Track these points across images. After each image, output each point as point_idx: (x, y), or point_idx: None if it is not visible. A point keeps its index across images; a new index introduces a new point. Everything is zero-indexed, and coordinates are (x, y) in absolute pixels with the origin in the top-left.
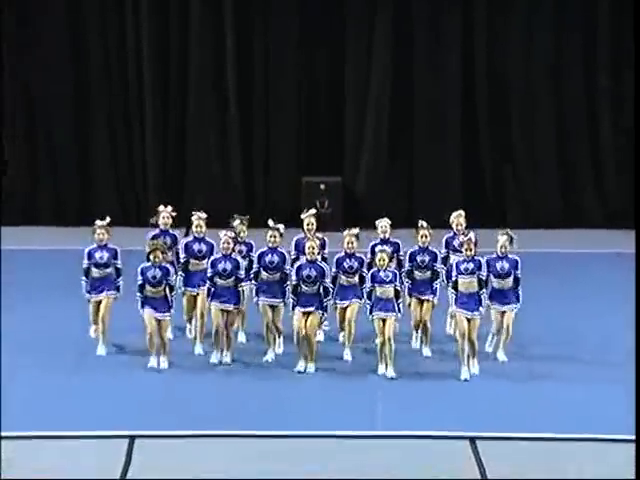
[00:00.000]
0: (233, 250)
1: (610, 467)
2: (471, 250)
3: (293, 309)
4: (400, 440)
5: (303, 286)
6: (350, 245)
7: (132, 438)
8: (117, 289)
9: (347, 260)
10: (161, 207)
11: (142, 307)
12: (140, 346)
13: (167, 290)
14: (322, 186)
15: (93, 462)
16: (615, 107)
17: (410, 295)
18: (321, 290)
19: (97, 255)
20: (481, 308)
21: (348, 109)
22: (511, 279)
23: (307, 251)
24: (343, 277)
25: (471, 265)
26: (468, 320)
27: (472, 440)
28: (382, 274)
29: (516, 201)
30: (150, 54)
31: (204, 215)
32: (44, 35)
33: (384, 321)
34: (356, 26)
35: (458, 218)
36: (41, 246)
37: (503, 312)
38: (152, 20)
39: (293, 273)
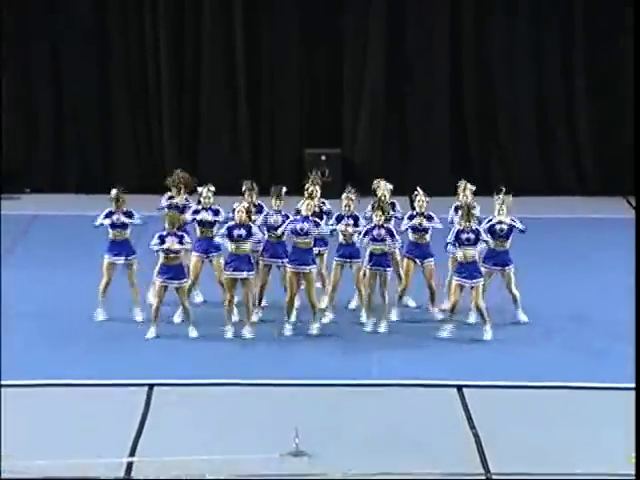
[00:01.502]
0: (249, 218)
1: (599, 413)
2: (470, 221)
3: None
4: (390, 388)
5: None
6: (347, 208)
7: (151, 386)
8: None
9: (345, 220)
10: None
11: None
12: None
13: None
14: (323, 157)
15: (113, 410)
16: (591, 82)
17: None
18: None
19: (114, 217)
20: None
21: (346, 89)
22: (509, 241)
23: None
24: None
25: (472, 235)
26: (471, 288)
27: (459, 388)
28: (375, 232)
29: (499, 170)
30: (166, 35)
31: (212, 188)
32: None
33: (379, 275)
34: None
35: (465, 189)
36: (67, 212)
37: (503, 272)
38: None
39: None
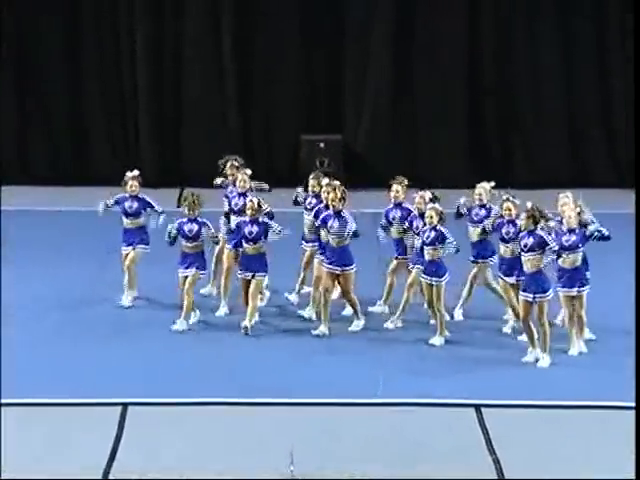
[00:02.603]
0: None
1: (610, 434)
2: (432, 218)
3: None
4: (405, 407)
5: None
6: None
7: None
8: (147, 243)
9: (393, 211)
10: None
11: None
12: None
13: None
14: (321, 144)
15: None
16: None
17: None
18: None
19: (127, 204)
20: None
21: (348, 65)
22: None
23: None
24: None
25: (433, 233)
26: (431, 286)
27: (477, 408)
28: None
29: (522, 161)
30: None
31: (249, 171)
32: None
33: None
34: None
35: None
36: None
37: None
38: None
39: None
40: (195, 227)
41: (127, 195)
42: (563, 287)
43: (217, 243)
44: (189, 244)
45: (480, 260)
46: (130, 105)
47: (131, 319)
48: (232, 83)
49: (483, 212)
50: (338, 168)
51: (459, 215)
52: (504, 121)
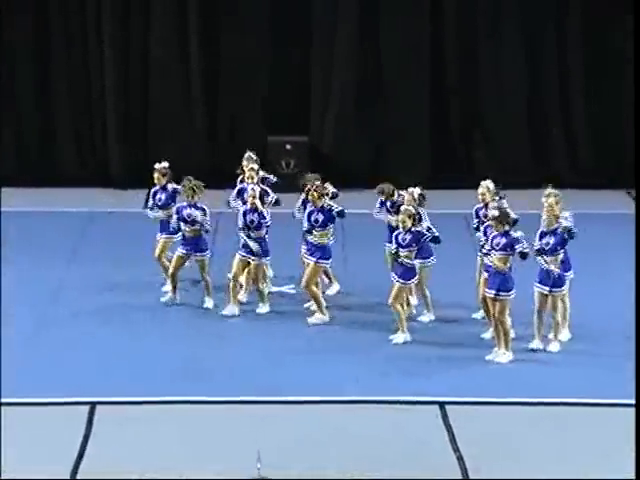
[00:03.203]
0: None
1: (579, 431)
2: (405, 222)
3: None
4: (369, 405)
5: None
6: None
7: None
8: (172, 232)
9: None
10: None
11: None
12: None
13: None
14: (288, 146)
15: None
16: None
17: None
18: None
19: (157, 197)
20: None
21: (314, 66)
22: None
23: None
24: None
25: (408, 236)
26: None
27: (441, 405)
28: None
29: (485, 161)
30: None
31: (256, 166)
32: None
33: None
34: None
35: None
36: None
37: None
38: None
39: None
40: (193, 212)
41: (159, 187)
42: (539, 282)
43: (207, 232)
44: (187, 228)
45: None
46: (98, 105)
47: (112, 315)
48: (198, 83)
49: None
50: (303, 170)
51: (477, 229)
52: (467, 121)
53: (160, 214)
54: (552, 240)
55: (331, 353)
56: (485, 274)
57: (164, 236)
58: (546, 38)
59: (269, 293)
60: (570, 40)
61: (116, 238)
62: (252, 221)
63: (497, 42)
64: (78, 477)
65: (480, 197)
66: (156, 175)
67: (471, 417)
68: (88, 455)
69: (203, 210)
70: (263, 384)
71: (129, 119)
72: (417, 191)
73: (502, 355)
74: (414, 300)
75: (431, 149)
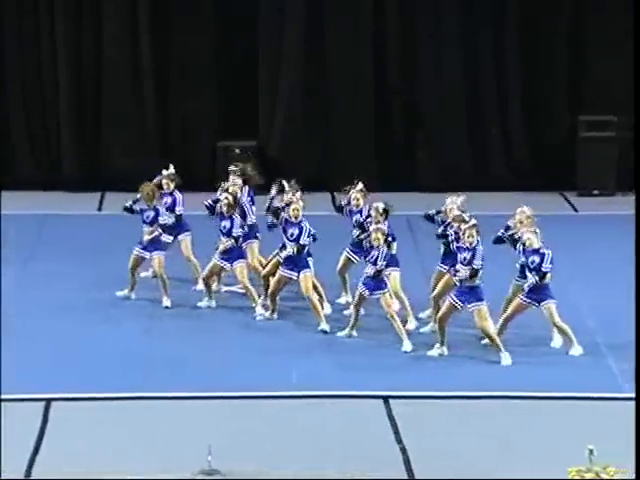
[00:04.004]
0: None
1: (526, 425)
2: (378, 240)
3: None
4: (312, 400)
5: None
6: (356, 202)
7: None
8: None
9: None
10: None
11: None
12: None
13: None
14: (237, 150)
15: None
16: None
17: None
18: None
19: (164, 201)
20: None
21: (262, 72)
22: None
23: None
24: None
25: (376, 253)
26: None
27: (385, 399)
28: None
29: (426, 161)
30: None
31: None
32: None
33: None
34: None
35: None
36: None
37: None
38: None
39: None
40: (152, 214)
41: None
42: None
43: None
44: (146, 229)
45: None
46: (52, 105)
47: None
48: (150, 84)
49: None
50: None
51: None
52: (410, 121)
53: (167, 220)
54: (537, 259)
55: (278, 350)
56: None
57: (186, 235)
58: (484, 37)
59: (225, 292)
60: (507, 40)
61: (70, 239)
62: (225, 227)
63: (438, 42)
64: (32, 475)
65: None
66: (165, 181)
67: (415, 411)
68: (42, 452)
69: (158, 210)
70: (211, 380)
71: (82, 119)
72: (381, 206)
73: (504, 359)
74: (396, 306)
75: (375, 149)
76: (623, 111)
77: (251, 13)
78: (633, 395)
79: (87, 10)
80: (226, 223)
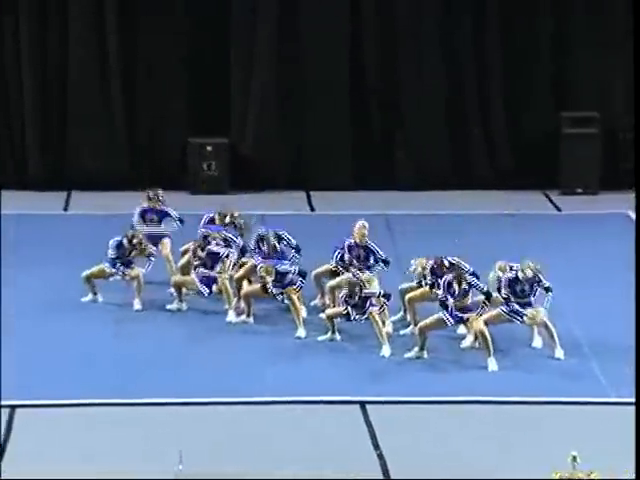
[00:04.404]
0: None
1: (499, 429)
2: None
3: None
4: (287, 406)
5: None
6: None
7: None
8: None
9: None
10: None
11: None
12: None
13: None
14: (208, 148)
15: None
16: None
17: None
18: None
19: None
20: None
21: (234, 67)
22: None
23: None
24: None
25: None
26: None
27: (362, 404)
28: None
29: (405, 161)
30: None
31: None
32: None
33: None
34: None
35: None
36: None
37: None
38: None
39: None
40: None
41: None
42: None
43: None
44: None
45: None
46: (16, 105)
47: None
48: (117, 84)
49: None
50: (223, 171)
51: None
52: (389, 121)
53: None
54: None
55: (253, 355)
56: None
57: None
58: (464, 37)
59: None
60: (488, 39)
61: (35, 240)
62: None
63: (417, 41)
64: None
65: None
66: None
67: (392, 417)
68: (6, 458)
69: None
70: (182, 386)
71: (48, 119)
72: (364, 224)
73: (491, 364)
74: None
75: (352, 150)
76: (606, 108)
77: (223, 12)
78: (620, 400)
79: (52, 10)
80: None
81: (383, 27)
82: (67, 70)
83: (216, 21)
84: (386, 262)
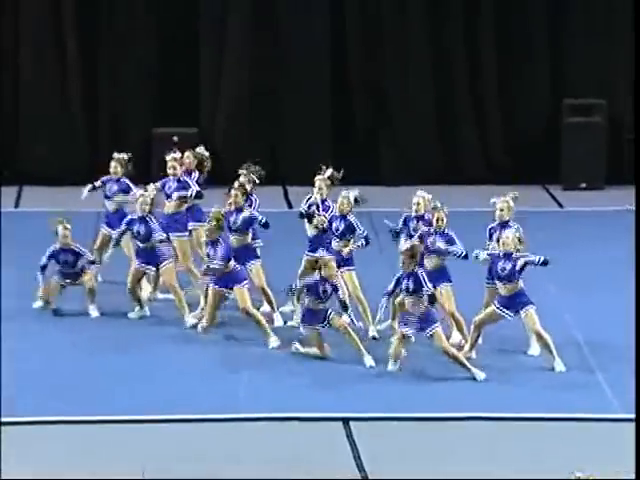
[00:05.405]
0: (150, 212)
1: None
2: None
3: None
4: (270, 423)
5: None
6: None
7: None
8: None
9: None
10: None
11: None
12: None
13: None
14: (175, 138)
15: None
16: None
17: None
18: None
19: (108, 187)
20: None
21: (203, 54)
22: None
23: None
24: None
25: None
26: None
27: (345, 421)
28: None
29: (391, 159)
30: None
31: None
32: None
33: None
34: None
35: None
36: None
37: None
38: None
39: None
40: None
41: (109, 177)
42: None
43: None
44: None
45: None
46: None
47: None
48: (77, 80)
49: (421, 225)
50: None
51: (396, 234)
52: (374, 120)
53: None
54: (509, 266)
55: (221, 366)
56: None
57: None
58: (454, 34)
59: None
60: (483, 21)
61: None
62: (139, 232)
63: (403, 38)
64: None
65: (414, 208)
66: (116, 164)
67: (376, 433)
68: None
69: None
70: (144, 402)
71: (3, 119)
72: (352, 195)
73: (477, 375)
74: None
75: (334, 149)
76: (610, 94)
77: (193, 5)
78: (622, 416)
79: (8, 9)
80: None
81: (368, 23)
82: (22, 69)
83: (186, 13)
84: (367, 240)
